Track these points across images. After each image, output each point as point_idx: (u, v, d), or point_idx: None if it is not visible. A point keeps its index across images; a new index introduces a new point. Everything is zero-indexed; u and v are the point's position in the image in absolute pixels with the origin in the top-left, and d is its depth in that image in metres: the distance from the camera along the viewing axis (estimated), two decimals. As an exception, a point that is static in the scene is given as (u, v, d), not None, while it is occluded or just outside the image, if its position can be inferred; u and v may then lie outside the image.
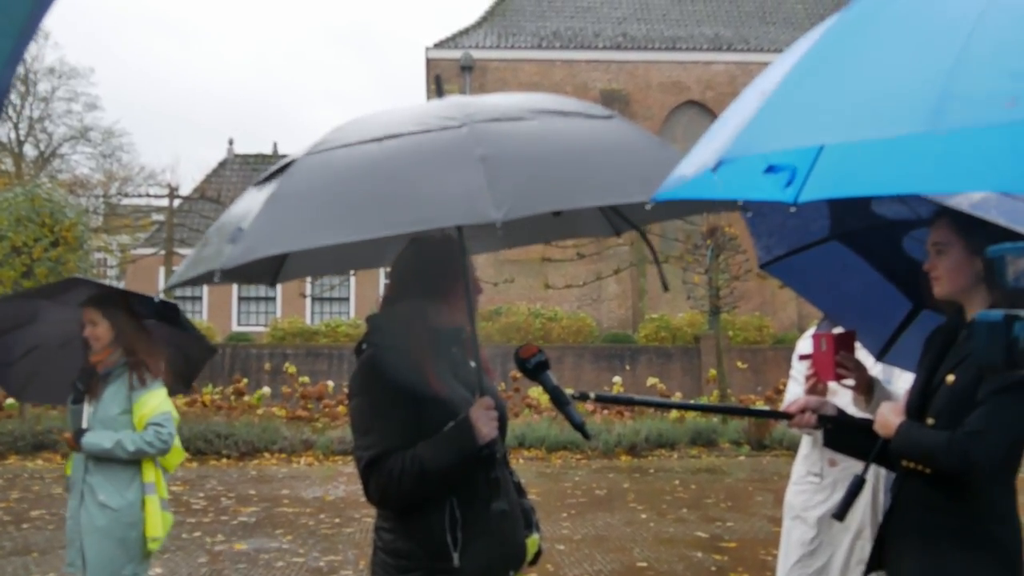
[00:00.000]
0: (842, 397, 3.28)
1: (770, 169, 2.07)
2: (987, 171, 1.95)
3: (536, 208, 2.30)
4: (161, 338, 4.73)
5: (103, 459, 4.49)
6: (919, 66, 1.48)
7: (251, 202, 2.46)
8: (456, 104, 2.57)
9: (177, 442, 4.68)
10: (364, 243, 2.70)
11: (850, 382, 3.09)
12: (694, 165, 1.82)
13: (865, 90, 1.52)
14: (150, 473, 4.60)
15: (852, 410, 3.11)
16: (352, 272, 26.14)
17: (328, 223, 2.26)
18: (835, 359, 3.07)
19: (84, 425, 4.50)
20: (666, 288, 3.21)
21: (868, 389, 3.07)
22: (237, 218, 2.41)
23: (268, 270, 3.14)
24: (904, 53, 1.53)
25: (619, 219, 3.21)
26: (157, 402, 4.54)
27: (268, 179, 2.55)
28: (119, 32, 74.90)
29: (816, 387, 3.20)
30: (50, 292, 5.02)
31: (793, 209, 2.16)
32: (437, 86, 2.87)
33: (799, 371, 4.05)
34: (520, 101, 2.69)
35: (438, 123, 2.42)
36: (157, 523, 4.57)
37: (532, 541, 2.88)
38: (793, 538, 3.98)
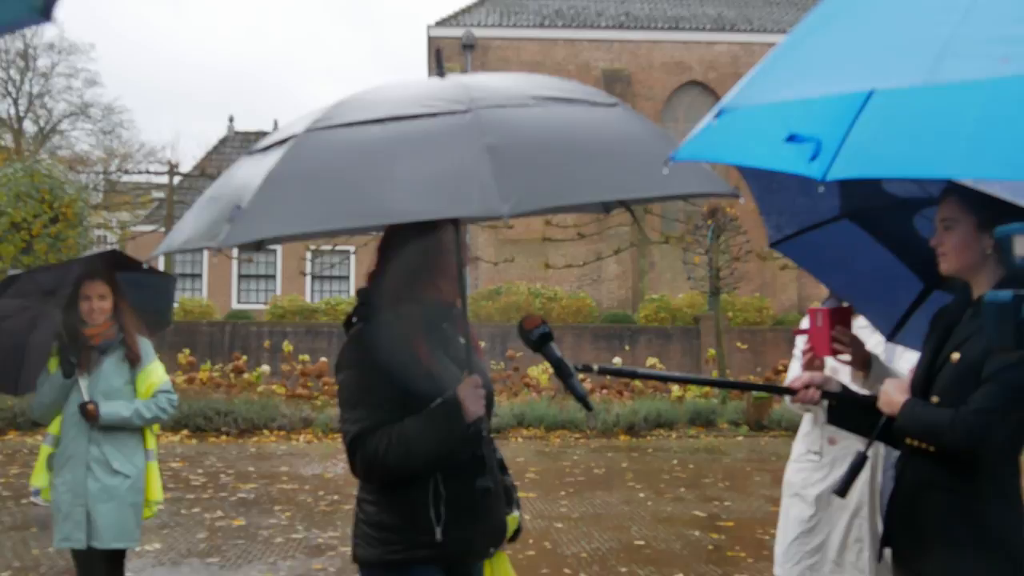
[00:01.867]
0: (842, 374, 3.27)
1: (792, 138, 2.05)
2: (1020, 157, 1.94)
3: (542, 203, 2.32)
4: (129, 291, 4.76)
5: (112, 429, 4.57)
6: (921, 24, 1.51)
7: (248, 174, 2.42)
8: (460, 85, 2.53)
9: None
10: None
11: (846, 357, 3.07)
12: (699, 124, 1.85)
13: (867, 46, 1.56)
14: (151, 440, 4.78)
15: (851, 387, 3.09)
16: (353, 250, 26.13)
17: (329, 208, 2.25)
18: (831, 334, 3.05)
19: (86, 398, 4.52)
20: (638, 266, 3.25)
21: (865, 365, 3.06)
22: (234, 191, 2.38)
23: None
24: (909, 13, 1.57)
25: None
26: (161, 371, 4.75)
27: (265, 150, 2.52)
28: (115, 4, 74.50)
29: (813, 362, 3.18)
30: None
31: (822, 188, 2.15)
32: (438, 62, 2.83)
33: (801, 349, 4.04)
34: (523, 85, 2.66)
35: (443, 106, 2.39)
36: (158, 488, 4.78)
37: (512, 518, 2.89)
38: (792, 515, 3.98)
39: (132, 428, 4.63)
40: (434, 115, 2.36)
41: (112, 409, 4.53)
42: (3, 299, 4.62)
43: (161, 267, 22.99)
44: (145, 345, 4.71)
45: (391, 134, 2.33)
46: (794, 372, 4.00)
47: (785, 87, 1.63)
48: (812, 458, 3.96)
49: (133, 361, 4.64)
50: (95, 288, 4.52)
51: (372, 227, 2.25)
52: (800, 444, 4.08)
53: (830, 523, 3.85)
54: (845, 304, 3.25)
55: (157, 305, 5.07)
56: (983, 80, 1.48)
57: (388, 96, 2.58)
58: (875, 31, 1.56)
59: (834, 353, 3.08)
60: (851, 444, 3.73)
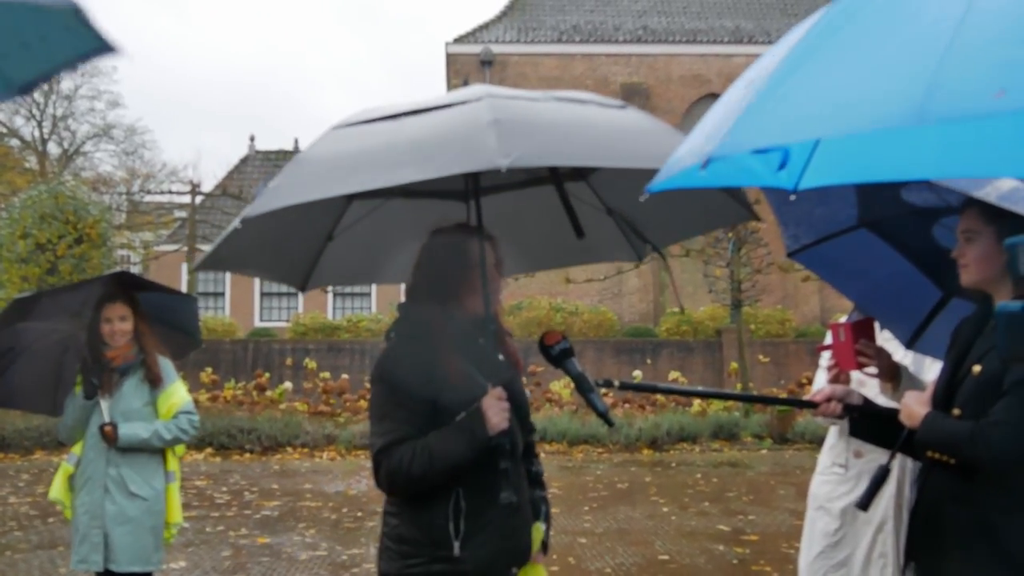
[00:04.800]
0: (871, 387, 3.25)
1: (758, 151, 2.06)
2: (990, 156, 1.95)
3: (543, 160, 2.49)
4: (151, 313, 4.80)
5: (130, 450, 4.57)
6: (908, 58, 1.47)
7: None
8: (481, 88, 2.69)
9: None
10: (394, 256, 2.88)
11: (872, 370, 3.06)
12: (685, 156, 1.83)
13: (853, 83, 1.52)
14: (173, 462, 4.76)
15: (881, 399, 3.07)
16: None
17: (340, 178, 2.42)
18: (855, 348, 3.04)
19: (107, 419, 4.54)
20: (682, 310, 3.39)
21: (894, 376, 3.04)
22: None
23: (300, 273, 3.36)
24: (893, 45, 1.53)
25: (640, 242, 3.30)
26: (183, 392, 4.75)
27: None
28: (129, 19, 75.21)
29: (839, 377, 3.17)
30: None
31: (793, 197, 2.15)
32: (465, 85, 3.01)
33: (826, 364, 4.02)
34: (539, 92, 2.85)
35: (459, 98, 2.59)
36: (177, 510, 4.75)
37: (536, 529, 2.85)
38: (817, 529, 3.95)
39: (152, 450, 4.62)
40: (450, 105, 2.56)
41: (131, 431, 4.53)
42: (30, 322, 4.67)
43: (184, 288, 23.16)
44: (166, 366, 4.71)
45: (408, 123, 2.53)
46: (819, 383, 3.99)
47: (774, 132, 1.60)
48: (837, 471, 3.93)
49: (154, 382, 4.64)
50: (115, 310, 4.55)
51: (380, 189, 2.39)
52: (826, 456, 4.05)
53: (855, 537, 3.82)
54: (863, 316, 3.24)
55: (185, 326, 5.11)
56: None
57: (409, 101, 2.75)
58: (862, 66, 1.53)
59: (860, 367, 3.06)
60: (877, 457, 3.70)
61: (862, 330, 3.07)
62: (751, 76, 1.77)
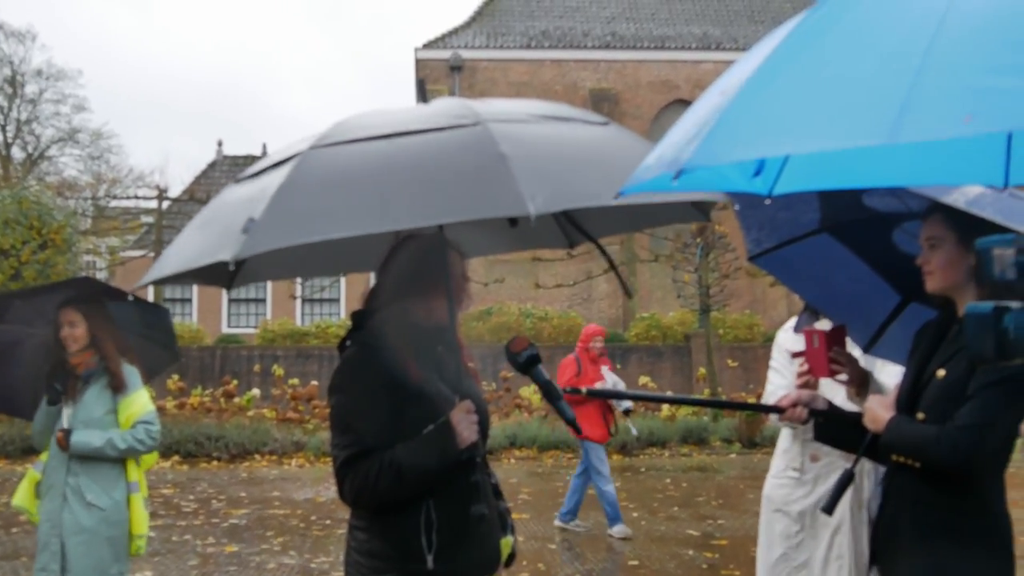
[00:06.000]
0: (839, 393, 3.27)
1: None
2: (969, 164, 1.99)
3: (566, 204, 2.36)
4: (128, 326, 4.71)
5: (89, 459, 4.49)
6: (880, 76, 1.50)
7: (248, 193, 2.43)
8: (460, 104, 2.58)
9: None
10: (343, 247, 2.69)
11: (844, 377, 3.08)
12: (657, 163, 1.82)
13: (826, 100, 1.53)
14: (134, 472, 4.64)
15: (848, 406, 3.10)
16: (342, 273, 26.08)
17: (352, 213, 2.23)
18: (828, 355, 3.07)
19: (66, 425, 4.49)
20: (629, 295, 3.30)
21: (862, 383, 3.07)
22: (235, 211, 2.37)
23: (224, 274, 2.95)
24: (865, 61, 1.55)
25: (573, 230, 3.22)
26: (144, 401, 4.61)
27: (258, 174, 2.53)
28: (93, 17, 74.39)
29: (809, 384, 3.20)
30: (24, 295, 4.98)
31: (768, 201, 2.17)
32: (421, 91, 2.88)
33: (780, 362, 4.05)
34: (519, 106, 2.74)
35: (448, 121, 2.42)
36: (142, 521, 4.62)
37: (506, 542, 2.84)
38: (776, 531, 3.97)
39: (109, 459, 4.51)
40: (442, 129, 2.40)
41: (83, 438, 4.44)
42: (6, 324, 4.62)
43: (150, 295, 22.92)
44: (131, 374, 4.60)
45: (402, 146, 2.35)
46: (774, 384, 4.02)
47: (745, 145, 1.61)
48: (792, 475, 3.96)
49: (116, 389, 4.54)
50: (66, 315, 4.47)
51: (399, 230, 2.24)
52: (780, 460, 4.08)
53: (814, 539, 3.86)
54: (823, 319, 3.27)
55: (162, 339, 5.02)
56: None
57: (388, 117, 2.61)
58: (836, 81, 1.55)
59: (832, 374, 3.08)
60: (834, 461, 3.74)
61: (835, 337, 3.09)
62: (724, 85, 1.77)
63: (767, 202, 2.22)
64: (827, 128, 1.50)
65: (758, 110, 1.61)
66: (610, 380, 8.79)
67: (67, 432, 4.46)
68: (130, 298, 4.75)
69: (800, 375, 3.25)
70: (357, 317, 2.78)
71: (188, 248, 2.53)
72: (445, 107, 2.59)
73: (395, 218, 2.21)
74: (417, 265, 2.71)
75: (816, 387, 3.21)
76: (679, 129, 1.85)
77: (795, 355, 3.32)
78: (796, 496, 3.91)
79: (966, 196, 2.37)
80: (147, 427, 4.54)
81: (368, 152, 2.37)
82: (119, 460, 4.56)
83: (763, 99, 1.61)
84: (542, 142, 2.46)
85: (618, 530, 8.75)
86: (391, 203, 2.22)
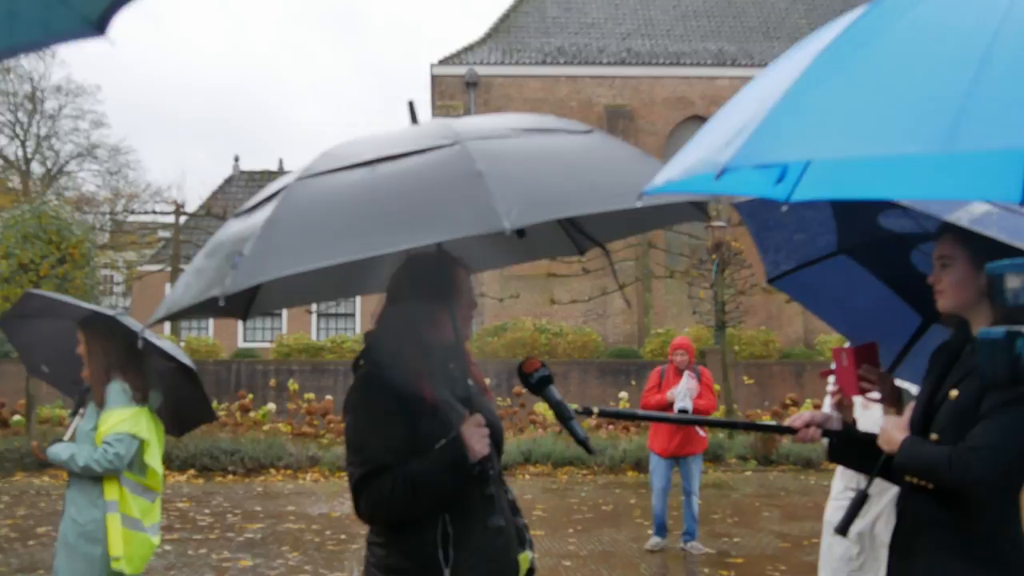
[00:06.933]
0: (875, 411, 3.25)
1: (770, 164, 2.06)
2: (987, 180, 1.97)
3: (542, 216, 2.33)
4: (160, 374, 4.72)
5: (76, 474, 4.51)
6: (934, 81, 1.47)
7: (243, 228, 2.45)
8: (442, 125, 2.60)
9: (156, 463, 4.63)
10: (353, 270, 2.73)
11: (875, 395, 3.07)
12: (686, 166, 1.79)
13: (879, 104, 1.50)
14: (112, 491, 4.50)
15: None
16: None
17: (333, 242, 2.25)
18: (857, 372, 3.06)
19: (67, 436, 4.60)
20: (629, 305, 3.27)
21: (896, 399, 3.05)
22: (231, 246, 2.39)
23: (240, 304, 3.06)
24: (919, 67, 1.52)
25: (581, 237, 3.23)
26: (115, 420, 4.45)
27: (253, 209, 2.55)
28: (115, 36, 74.86)
29: (842, 403, 3.17)
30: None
31: (785, 208, 2.15)
32: (411, 112, 2.88)
33: (830, 389, 4.02)
34: (501, 121, 2.75)
35: (428, 143, 2.44)
36: (118, 542, 4.44)
37: (524, 558, 2.84)
38: (836, 554, 3.91)
39: (93, 475, 4.44)
40: (423, 151, 2.42)
41: (55, 450, 4.50)
42: (47, 319, 4.86)
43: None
44: (113, 391, 4.52)
45: (384, 172, 2.37)
46: (827, 409, 3.98)
47: (791, 147, 1.57)
48: (851, 495, 3.94)
49: (98, 404, 4.53)
50: (78, 333, 4.62)
51: (378, 255, 2.25)
52: (839, 481, 4.02)
53: (876, 560, 3.78)
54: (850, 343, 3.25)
55: (192, 400, 4.87)
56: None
57: (372, 144, 2.62)
58: (888, 85, 1.51)
59: (862, 392, 3.07)
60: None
61: (865, 355, 3.08)
62: (762, 91, 1.73)
63: (783, 208, 2.20)
64: (879, 133, 1.47)
65: (807, 112, 1.57)
66: (681, 388, 8.84)
67: (37, 443, 4.58)
68: (141, 333, 4.49)
69: (832, 394, 3.23)
70: (369, 337, 2.83)
71: (193, 286, 2.55)
72: (427, 129, 2.61)
73: (373, 244, 2.22)
74: (423, 283, 2.75)
75: (851, 405, 3.19)
76: (710, 134, 1.82)
77: (824, 374, 3.30)
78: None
79: (971, 215, 2.36)
80: (107, 447, 4.41)
81: (350, 181, 2.40)
82: (98, 477, 4.48)
83: (812, 101, 1.58)
84: (521, 156, 2.48)
85: (654, 543, 8.94)
86: (369, 230, 2.25)
